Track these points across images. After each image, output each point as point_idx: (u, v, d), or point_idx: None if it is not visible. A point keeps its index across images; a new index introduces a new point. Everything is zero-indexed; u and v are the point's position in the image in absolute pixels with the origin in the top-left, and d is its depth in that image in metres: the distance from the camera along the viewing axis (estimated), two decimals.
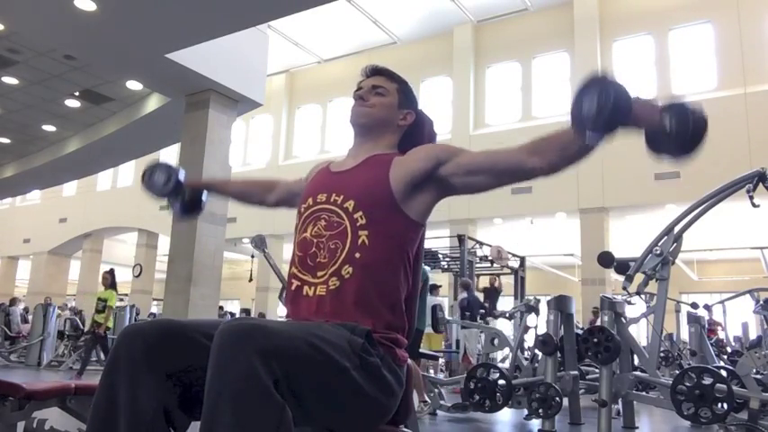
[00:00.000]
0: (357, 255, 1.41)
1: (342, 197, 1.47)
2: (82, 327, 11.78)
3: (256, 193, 1.93)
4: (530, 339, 7.51)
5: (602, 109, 1.17)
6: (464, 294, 9.31)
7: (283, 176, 1.91)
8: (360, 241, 1.42)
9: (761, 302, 8.33)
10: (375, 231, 1.43)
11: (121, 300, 20.07)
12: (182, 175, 1.93)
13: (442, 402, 5.77)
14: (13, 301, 13.06)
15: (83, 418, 2.44)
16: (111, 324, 8.34)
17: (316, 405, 1.20)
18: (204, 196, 2.03)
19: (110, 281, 8.28)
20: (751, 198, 4.61)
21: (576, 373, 5.14)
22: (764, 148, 10.90)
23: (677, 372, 4.83)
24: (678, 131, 1.18)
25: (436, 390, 5.76)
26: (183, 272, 8.33)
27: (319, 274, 1.43)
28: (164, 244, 17.13)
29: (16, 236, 22.30)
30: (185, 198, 1.98)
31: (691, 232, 4.97)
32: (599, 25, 13.68)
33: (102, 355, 9.13)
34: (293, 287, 1.47)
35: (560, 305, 5.20)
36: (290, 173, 17.39)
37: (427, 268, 5.98)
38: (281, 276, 5.90)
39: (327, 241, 1.44)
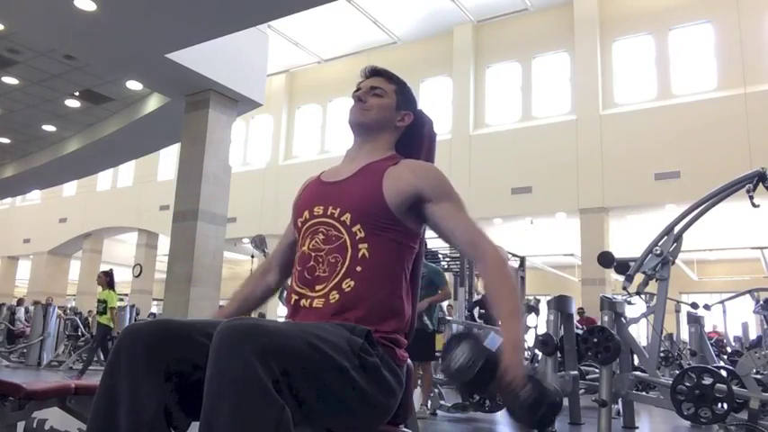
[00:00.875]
0: (358, 268, 1.41)
1: (338, 210, 1.46)
2: (83, 327, 11.78)
3: (259, 288, 1.73)
4: (530, 339, 7.50)
5: (461, 372, 1.22)
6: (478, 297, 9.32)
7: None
8: (360, 254, 1.42)
9: (761, 302, 8.33)
10: (375, 244, 1.43)
11: (121, 300, 20.12)
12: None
13: (442, 402, 5.77)
14: (20, 302, 13.90)
15: (83, 418, 2.44)
16: (110, 323, 8.22)
17: (315, 405, 1.19)
18: None
19: (105, 281, 8.05)
20: (751, 198, 4.62)
21: (575, 373, 5.14)
22: (764, 148, 10.89)
23: (677, 372, 4.83)
24: (526, 417, 1.22)
25: (436, 390, 5.76)
26: (182, 272, 8.34)
27: (318, 287, 1.43)
28: (164, 244, 17.13)
29: (16, 236, 22.31)
30: None
31: (691, 232, 4.97)
32: (599, 25, 13.67)
33: (103, 356, 9.11)
34: (292, 301, 1.47)
35: (560, 305, 5.20)
36: (289, 173, 17.29)
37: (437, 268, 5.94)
38: None
39: (327, 255, 1.44)
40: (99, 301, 8.18)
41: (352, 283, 1.40)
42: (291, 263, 1.64)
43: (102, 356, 8.80)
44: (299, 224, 1.53)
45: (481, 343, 1.23)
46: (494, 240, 1.47)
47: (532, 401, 1.19)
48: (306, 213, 1.52)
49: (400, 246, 1.47)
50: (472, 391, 1.24)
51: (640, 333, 10.56)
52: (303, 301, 1.44)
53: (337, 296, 1.40)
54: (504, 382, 1.21)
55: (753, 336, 11.35)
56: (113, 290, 8.19)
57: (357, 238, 1.43)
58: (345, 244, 1.43)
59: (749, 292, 9.13)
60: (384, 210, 1.45)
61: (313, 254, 1.45)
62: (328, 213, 1.47)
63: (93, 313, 14.93)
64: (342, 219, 1.45)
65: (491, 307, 1.41)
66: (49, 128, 11.54)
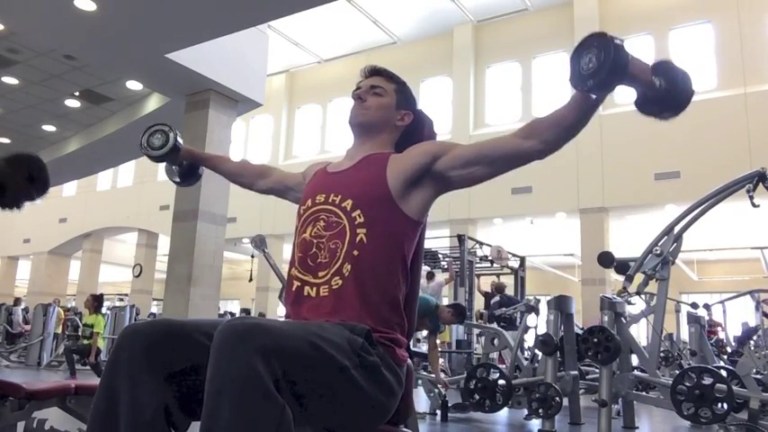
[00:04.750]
0: (355, 252, 1.42)
1: (340, 197, 1.48)
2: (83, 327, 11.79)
3: (247, 176, 1.95)
4: (530, 339, 7.50)
5: (602, 67, 1.23)
6: (497, 297, 9.32)
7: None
8: (358, 239, 1.42)
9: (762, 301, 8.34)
10: (373, 229, 1.43)
11: (121, 300, 20.15)
12: (180, 140, 1.96)
13: None
14: (17, 301, 13.79)
15: (83, 418, 2.45)
16: (101, 345, 8.12)
17: (315, 404, 1.19)
18: (200, 169, 2.10)
19: (93, 305, 7.99)
20: (751, 198, 4.62)
21: (575, 373, 5.14)
22: (764, 148, 10.89)
23: (677, 372, 4.83)
24: (668, 90, 1.27)
25: (436, 390, 5.76)
26: (183, 272, 8.33)
27: (321, 274, 1.43)
28: (164, 244, 17.12)
29: (16, 236, 22.31)
30: (183, 166, 2.05)
31: (691, 232, 4.97)
32: (599, 25, 13.65)
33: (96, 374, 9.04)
34: (294, 288, 1.47)
35: (560, 305, 5.20)
36: None
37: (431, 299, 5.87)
38: (281, 276, 5.90)
39: (327, 241, 1.45)
40: (85, 325, 8.08)
41: (350, 267, 1.41)
42: (274, 192, 1.87)
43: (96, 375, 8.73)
44: (301, 211, 1.55)
45: (605, 39, 1.26)
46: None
47: (666, 83, 1.27)
48: (308, 201, 1.54)
49: (399, 233, 1.47)
50: (611, 83, 1.25)
51: (640, 333, 10.55)
52: (307, 289, 1.44)
53: (340, 282, 1.41)
54: (636, 70, 1.26)
55: (753, 336, 11.33)
56: (101, 313, 8.12)
57: (356, 223, 1.44)
58: (344, 229, 1.44)
59: (750, 292, 9.13)
60: (385, 195, 1.46)
61: (315, 240, 1.46)
62: (330, 200, 1.49)
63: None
64: (342, 205, 1.46)
65: (571, 110, 1.35)
66: (49, 128, 11.54)
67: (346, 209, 1.46)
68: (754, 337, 9.27)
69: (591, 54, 1.25)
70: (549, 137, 1.38)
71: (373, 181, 1.48)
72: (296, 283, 1.47)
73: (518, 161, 1.42)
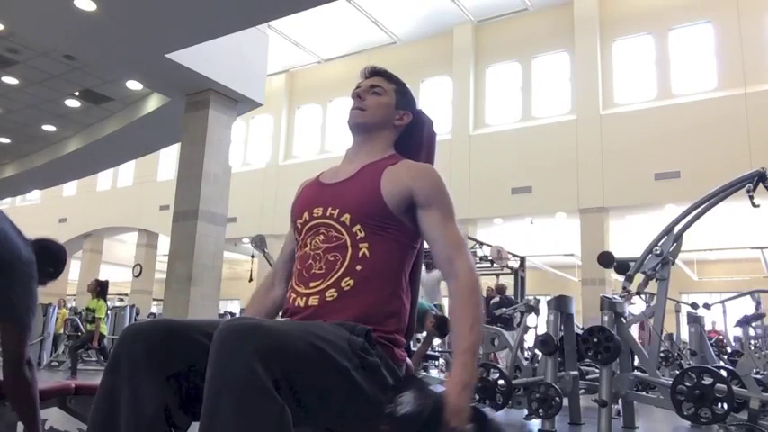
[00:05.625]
0: (358, 267, 1.41)
1: (338, 211, 1.46)
2: (82, 327, 11.80)
3: (265, 307, 1.65)
4: (530, 339, 7.50)
5: (408, 419, 1.19)
6: (496, 298, 9.33)
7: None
8: (361, 254, 1.42)
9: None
10: (375, 243, 1.43)
11: (121, 300, 20.15)
12: None
13: None
14: None
15: (83, 418, 2.44)
16: (104, 330, 8.14)
17: (315, 405, 1.19)
18: None
19: (96, 289, 7.99)
20: (751, 198, 4.63)
21: (575, 373, 5.14)
22: (764, 148, 10.89)
23: (677, 372, 4.83)
24: None
25: None
26: (183, 272, 8.33)
27: (312, 284, 1.42)
28: (164, 244, 17.12)
29: None
30: None
31: (691, 232, 4.98)
32: (599, 25, 13.67)
33: (103, 358, 9.08)
34: (290, 299, 1.47)
35: (560, 305, 5.20)
36: (289, 173, 17.28)
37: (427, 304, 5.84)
38: None
39: (325, 253, 1.43)
40: (88, 309, 8.09)
41: (352, 281, 1.40)
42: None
43: (102, 358, 8.77)
44: (299, 226, 1.53)
45: (427, 390, 1.22)
46: (472, 261, 1.43)
47: None
48: (305, 215, 1.52)
49: (401, 245, 1.47)
50: None
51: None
52: (299, 300, 1.43)
53: (335, 294, 1.39)
54: (448, 428, 1.19)
55: (752, 335, 11.31)
56: (104, 298, 8.09)
57: (357, 237, 1.43)
58: (346, 244, 1.43)
59: (750, 293, 9.13)
60: (383, 209, 1.45)
61: (312, 252, 1.46)
62: (327, 214, 1.47)
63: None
64: (341, 219, 1.45)
65: (451, 332, 1.38)
66: (49, 128, 11.54)
67: (345, 223, 1.44)
68: (752, 333, 9.26)
69: (407, 401, 1.20)
70: (454, 293, 1.41)
71: (370, 196, 1.46)
72: (292, 295, 1.46)
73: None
